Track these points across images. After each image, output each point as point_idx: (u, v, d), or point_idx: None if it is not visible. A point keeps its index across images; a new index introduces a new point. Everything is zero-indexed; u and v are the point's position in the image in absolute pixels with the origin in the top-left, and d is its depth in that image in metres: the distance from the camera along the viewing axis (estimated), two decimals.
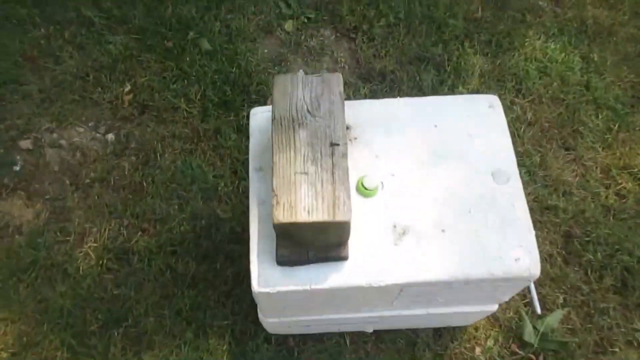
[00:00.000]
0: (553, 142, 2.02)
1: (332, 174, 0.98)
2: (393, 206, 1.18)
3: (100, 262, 1.73)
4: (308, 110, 1.04)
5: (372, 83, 2.07)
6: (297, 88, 1.06)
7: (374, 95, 2.04)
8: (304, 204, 0.95)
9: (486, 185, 1.21)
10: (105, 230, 1.78)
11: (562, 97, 2.09)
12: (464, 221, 1.17)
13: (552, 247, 1.83)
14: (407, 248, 1.14)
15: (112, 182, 1.87)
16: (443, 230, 1.16)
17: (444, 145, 1.25)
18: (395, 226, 1.16)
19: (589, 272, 1.78)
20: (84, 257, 1.74)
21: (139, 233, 1.79)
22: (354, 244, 1.14)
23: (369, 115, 1.29)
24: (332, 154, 1.00)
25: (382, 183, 1.21)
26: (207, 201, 1.83)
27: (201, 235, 1.77)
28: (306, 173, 0.98)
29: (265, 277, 1.12)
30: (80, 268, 1.73)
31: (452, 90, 2.04)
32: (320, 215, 0.94)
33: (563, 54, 2.16)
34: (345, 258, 1.09)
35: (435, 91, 2.03)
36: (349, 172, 1.01)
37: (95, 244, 1.76)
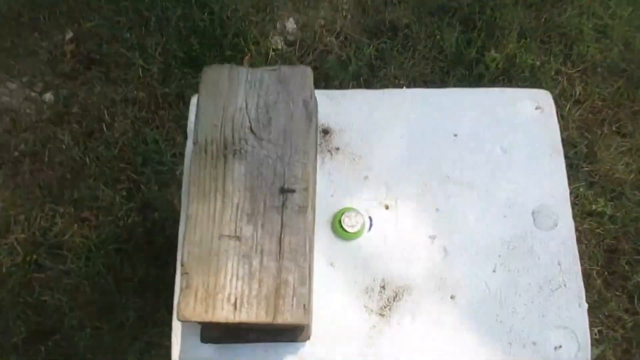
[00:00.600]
0: (605, 126, 1.59)
1: (280, 241, 0.61)
2: (383, 255, 0.82)
3: (28, 258, 1.41)
4: (251, 130, 0.65)
5: (381, 39, 1.63)
6: (238, 91, 0.67)
7: (381, 55, 1.60)
8: (229, 292, 0.59)
9: (521, 230, 0.83)
10: (36, 218, 1.45)
11: (623, 67, 1.64)
12: (483, 284, 0.80)
13: (590, 264, 1.46)
14: (399, 321, 0.78)
15: (47, 158, 1.51)
16: (452, 297, 0.79)
17: (463, 165, 0.86)
18: (383, 286, 0.80)
19: (635, 300, 1.42)
20: (8, 251, 1.42)
21: (77, 224, 1.45)
22: (321, 312, 0.78)
23: (359, 114, 0.89)
24: (283, 208, 0.62)
25: (370, 219, 0.83)
26: (163, 188, 1.47)
27: (153, 231, 1.43)
28: (238, 238, 0.61)
29: (191, 353, 0.77)
30: (3, 265, 1.41)
31: (481, 54, 1.59)
32: (252, 313, 0.59)
33: (631, 9, 1.68)
34: (304, 340, 0.74)
35: (459, 54, 1.59)
36: (311, 234, 0.64)
37: (22, 235, 1.43)
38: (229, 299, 0.59)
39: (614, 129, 1.59)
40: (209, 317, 0.58)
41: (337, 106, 0.90)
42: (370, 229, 0.83)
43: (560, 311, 0.79)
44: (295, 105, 0.66)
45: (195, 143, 0.65)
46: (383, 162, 0.86)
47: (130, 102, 1.57)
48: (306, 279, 0.60)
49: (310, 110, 0.66)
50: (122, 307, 1.39)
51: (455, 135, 0.88)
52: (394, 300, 0.79)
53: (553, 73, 1.60)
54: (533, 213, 0.84)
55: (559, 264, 0.81)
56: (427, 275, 0.80)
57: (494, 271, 0.81)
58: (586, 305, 0.80)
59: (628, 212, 1.49)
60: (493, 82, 1.54)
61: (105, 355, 1.34)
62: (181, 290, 0.60)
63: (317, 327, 0.78)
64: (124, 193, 1.48)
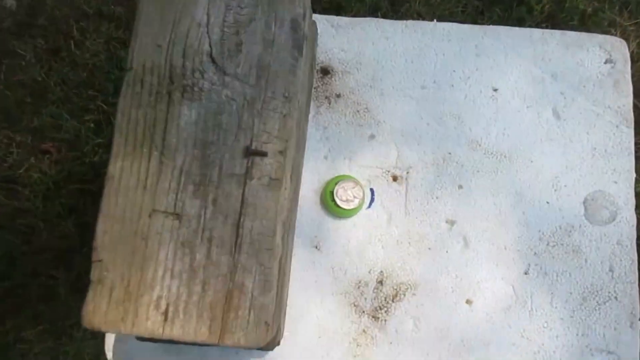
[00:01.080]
0: None
1: (238, 226, 0.41)
2: (384, 240, 0.63)
3: None
4: (211, 58, 0.45)
5: None
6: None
7: None
8: (158, 294, 0.41)
9: (567, 222, 0.63)
10: None
11: None
12: (510, 289, 0.61)
13: None
14: (397, 327, 0.60)
15: (4, 75, 1.30)
16: (468, 302, 0.61)
17: (500, 130, 0.65)
18: (381, 281, 0.62)
19: None
20: None
21: (36, 157, 1.26)
22: (297, 308, 0.60)
23: (371, 51, 0.68)
24: (247, 178, 0.43)
25: (371, 192, 0.64)
26: None
27: None
28: (177, 216, 0.42)
29: (127, 351, 0.60)
30: None
31: None
32: (190, 328, 0.40)
33: None
34: (270, 348, 0.56)
35: None
36: (287, 218, 0.44)
37: None
38: (157, 305, 0.41)
39: None
40: (126, 329, 0.40)
41: (343, 38, 0.68)
42: (370, 204, 0.63)
43: (605, 331, 0.61)
44: (280, 27, 0.45)
45: (127, 70, 0.44)
46: (396, 118, 0.66)
47: (106, 17, 1.33)
48: (272, 284, 0.41)
49: (300, 36, 0.45)
50: (82, 255, 1.22)
51: (495, 89, 0.66)
52: (392, 301, 0.61)
53: (606, 24, 1.34)
54: (585, 201, 0.64)
55: (611, 270, 0.62)
56: (439, 271, 0.62)
57: (525, 273, 0.62)
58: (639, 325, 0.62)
59: None
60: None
61: (59, 309, 1.19)
62: (91, 285, 0.41)
63: (291, 327, 0.60)
64: (92, 125, 1.28)
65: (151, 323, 0.40)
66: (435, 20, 0.70)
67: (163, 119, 0.44)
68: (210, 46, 0.45)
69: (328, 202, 0.61)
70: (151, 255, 0.42)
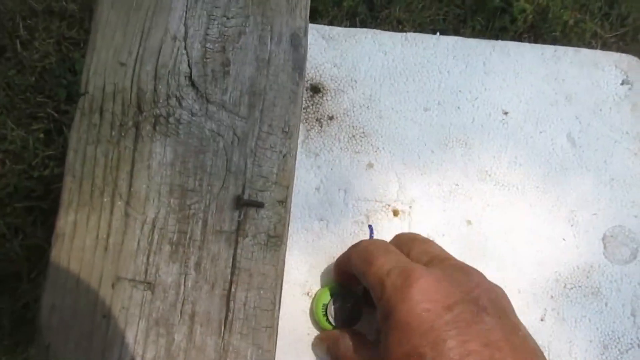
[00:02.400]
0: None
1: (229, 299, 0.33)
2: None
3: None
4: (191, 82, 0.35)
5: None
6: (173, 3, 0.35)
7: None
8: None
9: (585, 262, 0.57)
10: None
11: None
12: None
13: None
14: None
15: None
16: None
17: (512, 159, 0.59)
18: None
19: None
20: None
21: None
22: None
23: (368, 67, 0.60)
24: (239, 235, 0.34)
25: (369, 228, 0.56)
26: None
27: None
28: (149, 285, 0.33)
29: None
30: None
31: (508, 3, 1.29)
32: None
33: None
34: None
35: (482, 0, 1.28)
36: (280, 287, 0.35)
37: None
38: None
39: None
40: None
41: (336, 52, 0.59)
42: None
43: None
44: (277, 44, 0.37)
45: (81, 94, 0.34)
46: (396, 144, 0.58)
47: (57, 15, 1.21)
48: None
49: (302, 55, 0.36)
50: (30, 282, 1.09)
51: (506, 112, 0.60)
52: None
53: (588, 35, 1.31)
54: (604, 238, 0.58)
55: (633, 315, 0.56)
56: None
57: (542, 320, 0.55)
58: None
59: None
60: (518, 40, 1.25)
61: (3, 344, 1.06)
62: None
63: None
64: (41, 135, 1.15)
65: None
66: (438, 33, 0.62)
67: (129, 159, 0.34)
68: (189, 66, 0.36)
69: (320, 316, 0.51)
70: (115, 338, 0.33)
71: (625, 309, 0.56)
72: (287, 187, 0.35)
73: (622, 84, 0.61)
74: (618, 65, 0.62)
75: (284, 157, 0.35)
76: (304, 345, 0.52)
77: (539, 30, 1.29)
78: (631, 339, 0.56)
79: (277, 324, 0.35)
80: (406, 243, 0.46)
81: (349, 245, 0.51)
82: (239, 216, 0.34)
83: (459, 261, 0.43)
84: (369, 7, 1.26)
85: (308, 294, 0.54)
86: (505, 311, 0.39)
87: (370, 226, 0.56)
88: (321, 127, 0.57)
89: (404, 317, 0.34)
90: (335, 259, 0.55)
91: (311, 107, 0.58)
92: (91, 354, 0.32)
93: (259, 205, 0.34)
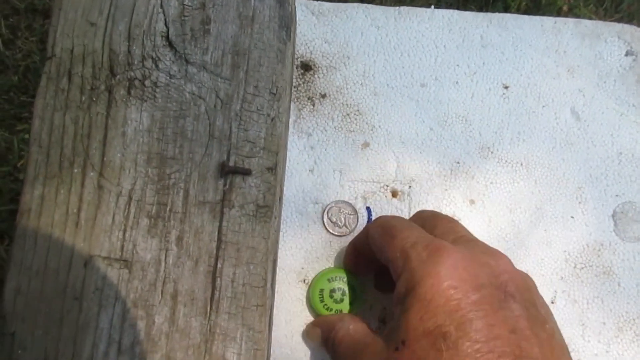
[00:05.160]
0: None
1: (214, 276, 0.29)
2: None
3: None
4: (169, 41, 0.32)
5: None
6: None
7: None
8: None
9: (595, 240, 0.54)
10: None
11: None
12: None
13: None
14: None
15: None
16: None
17: (514, 134, 0.56)
18: (383, 320, 0.51)
19: None
20: None
21: None
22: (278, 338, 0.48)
23: (361, 42, 0.57)
24: (224, 206, 0.31)
25: (367, 210, 0.53)
26: None
27: None
28: (125, 263, 0.30)
29: None
30: None
31: None
32: None
33: None
34: None
35: None
36: (274, 262, 0.32)
37: None
38: None
39: None
40: None
41: (327, 28, 0.56)
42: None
43: None
44: (261, 0, 0.33)
45: (47, 58, 0.31)
46: (393, 122, 0.55)
47: (40, 12, 1.18)
48: (264, 355, 0.29)
49: (289, 13, 0.33)
50: None
51: (506, 86, 0.57)
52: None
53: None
54: (614, 214, 0.55)
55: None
56: None
57: (552, 302, 0.53)
58: None
59: None
60: None
61: None
62: None
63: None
64: (26, 136, 1.11)
65: None
66: (432, 6, 0.59)
67: (102, 126, 0.31)
68: (166, 25, 0.33)
69: (317, 302, 0.48)
70: (88, 322, 0.29)
71: (639, 289, 0.53)
72: (277, 154, 0.32)
73: (626, 55, 0.59)
74: (621, 36, 0.60)
75: (272, 120, 0.32)
76: (300, 336, 0.49)
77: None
78: None
79: (271, 303, 0.32)
80: (430, 219, 0.43)
81: (347, 229, 0.48)
82: (224, 185, 0.30)
83: (486, 244, 0.40)
84: None
85: (304, 281, 0.50)
86: (534, 302, 0.36)
87: (368, 208, 0.53)
88: (313, 106, 0.55)
89: (428, 292, 0.31)
90: (331, 244, 0.52)
91: (302, 85, 0.55)
92: (61, 341, 0.28)
93: (246, 172, 0.31)
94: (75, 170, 0.30)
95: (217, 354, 0.29)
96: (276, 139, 0.32)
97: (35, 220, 0.30)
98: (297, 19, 0.55)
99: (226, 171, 0.31)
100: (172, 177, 0.31)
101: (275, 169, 0.31)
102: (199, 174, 0.31)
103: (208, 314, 0.30)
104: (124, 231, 0.30)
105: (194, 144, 0.31)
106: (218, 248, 0.30)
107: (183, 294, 0.30)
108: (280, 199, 0.36)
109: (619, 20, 1.33)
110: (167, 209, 0.31)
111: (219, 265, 0.30)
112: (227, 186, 0.31)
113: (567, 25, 0.60)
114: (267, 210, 0.31)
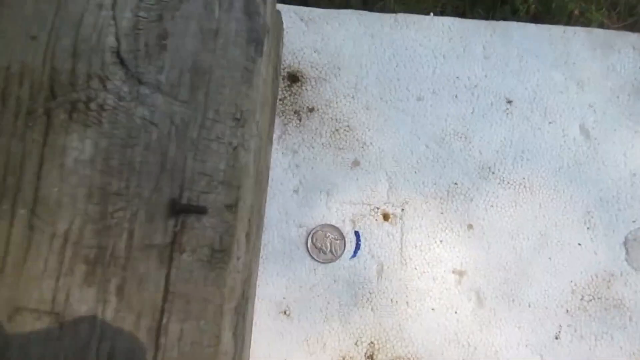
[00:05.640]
0: None
1: (158, 332, 0.25)
2: (374, 300, 0.48)
3: None
4: (119, 59, 0.28)
5: None
6: None
7: None
8: None
9: (605, 270, 0.50)
10: None
11: None
12: (539, 358, 0.47)
13: None
14: None
15: None
16: None
17: (518, 154, 0.51)
18: (371, 356, 0.47)
19: None
20: None
21: None
22: None
23: (353, 52, 0.53)
24: (173, 251, 0.27)
25: (356, 235, 0.49)
26: None
27: None
28: (57, 316, 0.25)
29: None
30: None
31: None
32: None
33: None
34: None
35: None
36: (248, 315, 0.28)
37: None
38: None
39: None
40: None
41: (317, 36, 0.52)
42: (356, 253, 0.48)
43: None
44: (227, 10, 0.29)
45: None
46: (386, 139, 0.51)
47: None
48: None
49: (259, 25, 0.29)
50: None
51: (509, 101, 0.52)
52: None
53: (595, 27, 1.24)
54: (626, 242, 0.50)
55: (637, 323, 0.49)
56: (446, 339, 0.47)
57: (556, 338, 0.48)
58: None
59: None
60: None
61: None
62: None
63: None
64: None
65: None
66: (431, 13, 0.55)
67: (37, 155, 0.27)
68: (117, 39, 0.29)
69: None
70: None
71: (630, 325, 0.49)
72: (239, 188, 0.28)
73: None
74: (636, 47, 0.55)
75: (234, 149, 0.28)
76: None
77: (542, 21, 1.21)
78: None
79: (229, 343, 0.28)
80: None
81: (333, 256, 0.44)
82: (175, 226, 0.26)
83: None
84: (362, 1, 1.20)
85: (285, 312, 0.46)
86: None
87: (357, 232, 0.49)
88: (300, 120, 0.51)
89: None
90: (315, 272, 0.48)
91: (289, 97, 0.51)
92: None
93: (201, 211, 0.27)
94: (4, 207, 0.27)
95: None
96: (238, 172, 0.28)
97: None
98: (285, 26, 0.51)
99: (177, 210, 0.27)
100: (115, 215, 0.27)
101: (236, 207, 0.27)
102: (146, 212, 0.27)
103: None
104: (57, 279, 0.26)
105: (142, 178, 0.27)
106: (164, 300, 0.26)
107: (121, 356, 0.26)
108: (252, 232, 0.32)
109: (633, 25, 1.27)
110: (108, 254, 0.27)
111: (164, 320, 0.26)
112: (178, 227, 0.27)
113: (577, 35, 0.55)
114: (224, 255, 0.27)
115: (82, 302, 0.27)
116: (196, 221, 0.27)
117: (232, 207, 0.28)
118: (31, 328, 0.26)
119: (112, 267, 0.27)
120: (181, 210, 0.27)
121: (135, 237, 0.28)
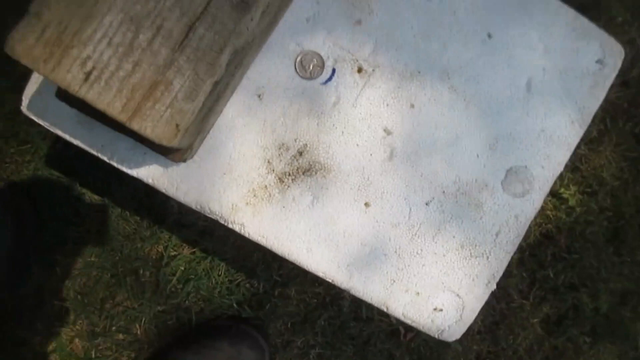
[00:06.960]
0: (627, 125, 1.40)
1: (190, 27, 0.41)
2: (322, 117, 0.65)
3: None
4: None
5: None
6: None
7: None
8: (88, 54, 0.41)
9: (483, 181, 0.67)
10: None
11: None
12: (407, 210, 0.66)
13: None
14: (295, 197, 0.65)
15: None
16: (367, 204, 0.66)
17: (472, 75, 0.67)
18: (301, 152, 0.65)
19: (534, 289, 1.38)
20: None
21: None
22: (211, 144, 0.63)
23: None
24: None
25: (332, 70, 0.65)
26: None
27: None
28: None
29: (43, 104, 0.61)
30: None
31: None
32: (106, 97, 0.41)
33: None
34: (175, 160, 0.59)
35: None
36: (249, 48, 0.44)
37: None
38: (83, 64, 0.41)
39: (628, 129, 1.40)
40: (46, 70, 0.40)
41: None
42: (327, 82, 0.64)
43: (464, 278, 0.68)
44: None
45: None
46: (390, 16, 0.65)
47: None
48: (198, 96, 0.42)
49: None
50: None
51: (490, 36, 0.66)
52: (303, 173, 0.64)
53: (627, 39, 1.33)
54: (509, 170, 0.68)
55: (497, 235, 0.68)
56: (356, 168, 0.65)
57: (426, 204, 0.67)
58: (494, 287, 0.69)
59: (588, 213, 1.38)
60: None
61: None
62: (26, 14, 0.40)
63: (202, 154, 0.62)
64: None
65: (71, 77, 0.41)
66: None
67: None
68: None
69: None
70: (97, 15, 0.41)
71: (493, 228, 0.68)
72: None
73: (596, 62, 0.68)
74: (602, 45, 0.68)
75: None
76: (243, 118, 0.63)
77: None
78: (484, 250, 0.68)
79: (219, 68, 0.43)
80: None
81: (310, 76, 0.60)
82: None
83: None
84: None
85: (259, 96, 0.63)
86: None
87: (334, 69, 0.65)
88: None
89: None
90: (293, 80, 0.64)
91: None
92: (79, 8, 0.40)
93: None
94: None
95: (168, 77, 0.41)
96: None
97: None
98: None
99: None
100: None
101: None
102: None
103: (175, 51, 0.41)
104: None
105: None
106: (202, 12, 0.41)
107: (164, 30, 0.41)
108: (267, 15, 0.47)
109: None
110: None
111: (196, 23, 0.41)
112: None
113: (567, 13, 0.68)
114: (245, 5, 0.42)
115: None
116: None
117: None
118: None
119: None
120: None
121: None
